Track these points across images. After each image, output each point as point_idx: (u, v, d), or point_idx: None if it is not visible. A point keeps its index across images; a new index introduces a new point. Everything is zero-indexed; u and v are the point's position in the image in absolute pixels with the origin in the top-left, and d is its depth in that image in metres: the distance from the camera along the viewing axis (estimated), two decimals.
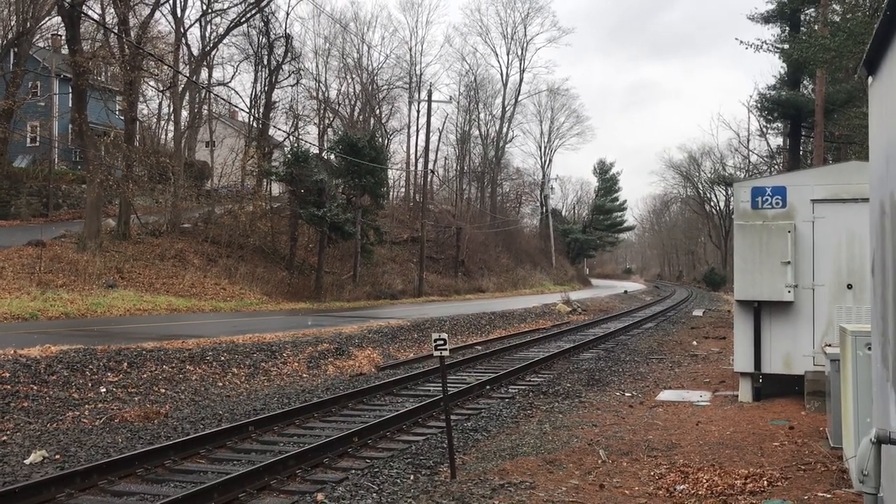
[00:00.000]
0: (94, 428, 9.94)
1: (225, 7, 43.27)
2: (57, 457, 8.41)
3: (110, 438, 9.32)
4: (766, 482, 6.94)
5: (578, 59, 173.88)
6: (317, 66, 60.66)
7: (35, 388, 11.23)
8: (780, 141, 47.78)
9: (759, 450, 8.25)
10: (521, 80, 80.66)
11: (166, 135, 52.05)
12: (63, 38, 38.94)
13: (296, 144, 39.27)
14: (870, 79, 4.63)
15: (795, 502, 6.32)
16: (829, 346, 9.36)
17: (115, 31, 33.51)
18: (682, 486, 6.94)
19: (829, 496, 6.45)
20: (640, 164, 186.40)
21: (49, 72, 43.12)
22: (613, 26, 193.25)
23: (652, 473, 7.44)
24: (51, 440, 9.15)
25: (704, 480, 7.03)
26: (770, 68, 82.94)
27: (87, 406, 10.95)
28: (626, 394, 12.83)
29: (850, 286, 10.88)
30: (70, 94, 36.73)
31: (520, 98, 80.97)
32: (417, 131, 67.45)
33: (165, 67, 37.84)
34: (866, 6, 22.78)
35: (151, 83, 44.28)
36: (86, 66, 32.25)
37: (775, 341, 11.25)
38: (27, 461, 8.18)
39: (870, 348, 5.36)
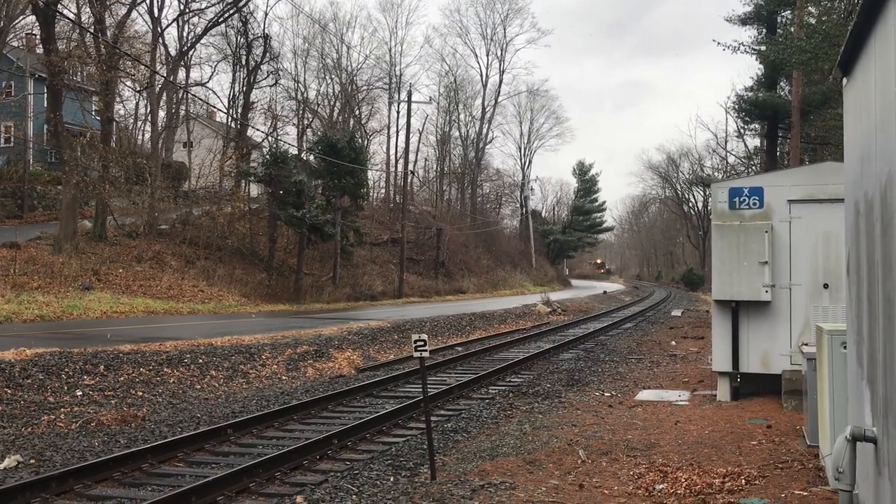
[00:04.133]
0: (70, 432, 9.83)
1: (203, 7, 43.00)
2: (32, 461, 8.30)
3: (87, 442, 9.22)
4: (743, 481, 6.99)
5: (569, 59, 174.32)
6: (296, 66, 60.47)
7: (9, 391, 11.09)
8: (757, 142, 48.20)
9: (737, 449, 8.31)
10: (500, 81, 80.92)
11: (143, 135, 51.64)
12: (37, 37, 38.51)
13: (274, 145, 39.12)
14: (844, 80, 4.68)
15: (773, 500, 6.37)
16: (806, 345, 9.44)
17: (91, 30, 33.20)
18: (661, 486, 6.97)
19: (805, 494, 6.50)
20: (628, 164, 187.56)
21: (23, 71, 42.63)
22: (610, 22, 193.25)
23: (631, 473, 7.47)
24: (25, 444, 9.03)
25: (683, 479, 7.07)
26: (747, 70, 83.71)
27: (62, 410, 10.82)
28: (606, 394, 12.88)
29: (826, 286, 10.99)
30: (45, 94, 36.33)
31: (499, 99, 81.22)
32: (397, 132, 67.55)
33: (142, 67, 37.54)
34: (841, 9, 23.05)
35: (128, 83, 43.94)
36: (61, 65, 31.92)
37: (753, 341, 11.34)
38: (1, 466, 8.07)
39: (846, 347, 5.42)
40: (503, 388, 13.75)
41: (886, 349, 3.35)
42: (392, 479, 7.69)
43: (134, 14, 39.73)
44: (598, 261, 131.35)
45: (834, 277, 10.84)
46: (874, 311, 3.68)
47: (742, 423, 9.71)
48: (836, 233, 10.51)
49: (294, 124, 57.53)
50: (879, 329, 3.53)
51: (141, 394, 12.24)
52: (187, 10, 43.04)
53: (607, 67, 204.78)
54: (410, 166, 55.54)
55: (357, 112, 63.49)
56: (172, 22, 44.22)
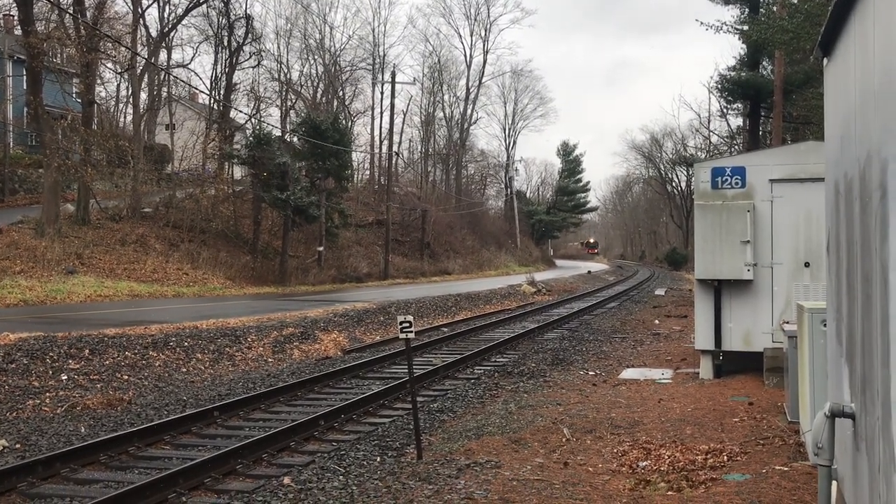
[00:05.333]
0: (55, 416, 9.81)
1: None
2: (17, 446, 8.30)
3: (72, 426, 9.21)
4: (725, 457, 7.09)
5: (557, 38, 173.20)
6: (278, 47, 60.05)
7: None
8: (739, 121, 48.28)
9: (719, 426, 8.42)
10: (484, 61, 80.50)
11: (125, 118, 51.20)
12: (15, 18, 37.96)
13: (258, 127, 38.81)
14: (825, 60, 4.71)
15: (754, 476, 6.47)
16: (787, 323, 9.55)
17: (70, 11, 32.74)
18: (644, 463, 7.06)
19: (786, 469, 6.60)
20: (612, 144, 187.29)
21: (2, 54, 42.04)
22: (597, 1, 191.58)
23: (615, 451, 7.56)
24: (10, 429, 9.02)
25: (666, 457, 7.16)
26: (731, 49, 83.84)
27: (47, 394, 10.80)
28: (590, 372, 12.99)
29: (807, 264, 11.10)
30: (25, 77, 35.90)
31: (483, 80, 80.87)
32: (381, 113, 67.24)
33: (123, 49, 37.09)
34: None
35: (109, 65, 43.38)
36: (40, 47, 31.45)
37: (735, 319, 11.45)
38: None
39: (826, 325, 5.49)
40: (489, 368, 13.83)
41: (865, 327, 3.41)
42: (379, 459, 7.75)
43: None
44: (591, 240, 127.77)
45: (815, 256, 10.95)
46: (853, 290, 3.74)
47: (724, 401, 9.83)
48: (817, 212, 10.61)
49: (277, 106, 57.18)
50: (858, 307, 3.58)
51: (126, 377, 12.22)
52: None
53: (595, 46, 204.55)
54: (395, 147, 55.41)
55: (341, 93, 63.14)
56: (153, 3, 43.66)
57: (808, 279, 11.09)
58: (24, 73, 35.66)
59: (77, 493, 6.81)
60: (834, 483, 4.28)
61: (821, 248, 10.62)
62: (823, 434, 3.91)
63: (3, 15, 44.07)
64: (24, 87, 37.07)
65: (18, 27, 36.21)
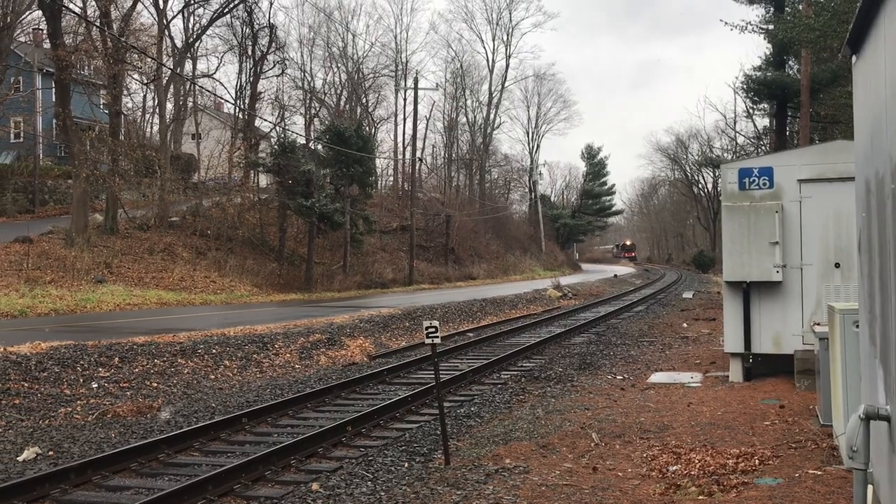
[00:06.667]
0: (86, 423, 9.91)
1: None
2: (50, 453, 8.39)
3: (103, 433, 9.30)
4: (757, 461, 7.00)
5: (582, 40, 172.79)
6: (302, 55, 60.58)
7: (26, 385, 11.19)
8: (766, 122, 47.81)
9: (750, 429, 8.32)
10: (507, 65, 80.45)
11: (152, 128, 51.87)
12: (44, 32, 38.57)
13: (282, 135, 39.11)
14: (854, 58, 4.65)
15: (787, 480, 6.38)
16: (818, 324, 9.42)
17: (97, 24, 33.22)
18: (674, 467, 6.99)
19: (819, 473, 6.51)
20: (638, 146, 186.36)
21: (31, 67, 42.71)
22: (622, 1, 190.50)
23: (645, 455, 7.49)
24: (43, 437, 9.12)
25: (697, 461, 7.08)
26: (756, 49, 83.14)
27: (79, 402, 10.92)
28: (618, 377, 12.89)
29: (837, 265, 10.95)
30: (53, 89, 36.42)
31: (506, 84, 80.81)
32: (405, 119, 67.25)
33: (149, 60, 37.57)
34: None
35: (135, 76, 43.99)
36: (68, 60, 31.98)
37: (765, 321, 11.32)
38: (20, 458, 8.16)
39: (858, 326, 5.41)
40: (515, 372, 13.78)
41: None
42: (406, 464, 7.74)
43: (139, 6, 39.74)
44: (627, 242, 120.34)
45: (845, 256, 10.80)
46: (886, 290, 3.68)
47: (755, 404, 9.71)
48: (846, 211, 10.47)
49: (301, 114, 57.54)
50: (892, 307, 3.52)
51: (156, 385, 12.33)
52: (192, 2, 43.04)
53: (618, 49, 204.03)
54: (418, 153, 55.46)
55: (364, 100, 63.39)
56: (178, 14, 44.29)
57: (838, 280, 10.94)
58: (53, 85, 36.16)
59: (109, 499, 6.88)
60: (870, 487, 4.21)
61: (851, 249, 10.47)
62: (858, 437, 3.84)
63: (33, 29, 44.79)
64: (53, 100, 37.59)
65: (47, 41, 36.80)
